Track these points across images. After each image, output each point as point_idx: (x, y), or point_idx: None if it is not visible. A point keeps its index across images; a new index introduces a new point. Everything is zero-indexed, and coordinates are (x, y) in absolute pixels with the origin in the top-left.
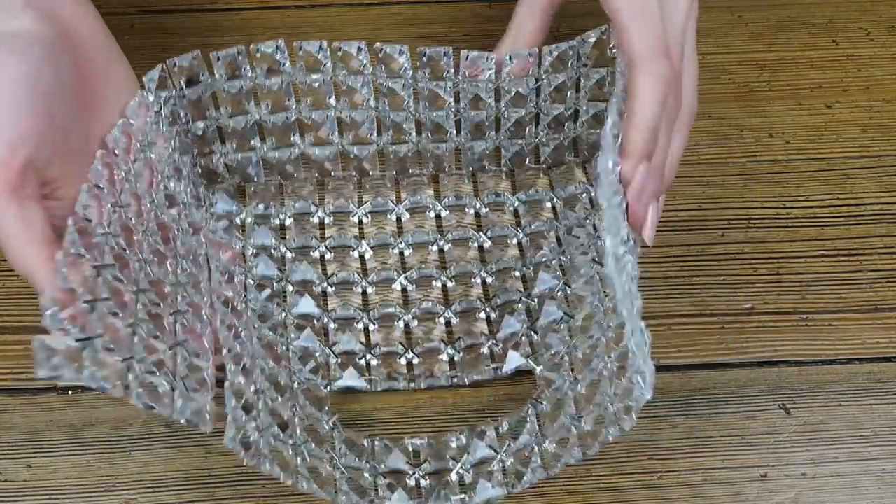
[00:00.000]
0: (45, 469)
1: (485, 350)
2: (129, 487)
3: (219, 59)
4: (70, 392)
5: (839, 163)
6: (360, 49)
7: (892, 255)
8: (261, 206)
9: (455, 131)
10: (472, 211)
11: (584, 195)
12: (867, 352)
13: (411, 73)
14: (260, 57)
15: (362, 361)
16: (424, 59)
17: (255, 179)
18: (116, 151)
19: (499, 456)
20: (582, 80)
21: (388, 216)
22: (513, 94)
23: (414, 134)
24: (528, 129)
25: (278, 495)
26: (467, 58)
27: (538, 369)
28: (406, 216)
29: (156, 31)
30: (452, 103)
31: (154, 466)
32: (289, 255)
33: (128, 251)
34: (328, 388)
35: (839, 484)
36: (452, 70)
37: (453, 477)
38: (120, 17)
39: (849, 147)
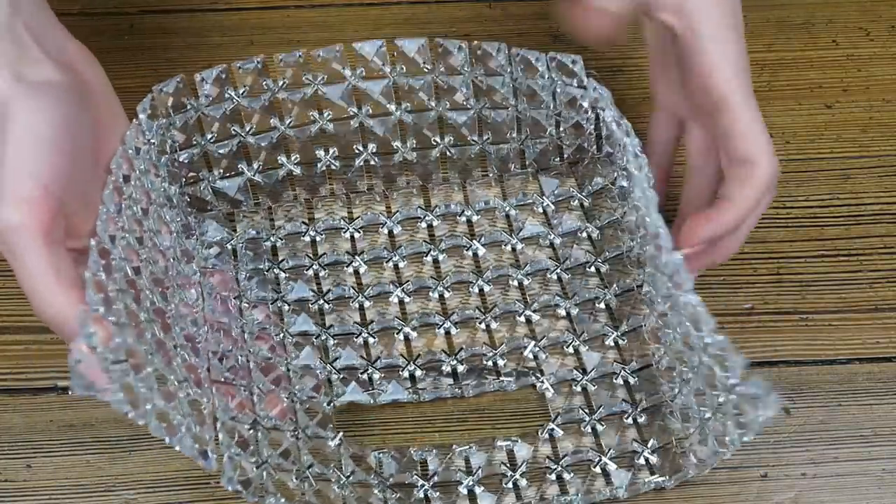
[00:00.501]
0: (45, 469)
1: (487, 362)
2: (129, 487)
3: (203, 80)
4: (70, 392)
5: (839, 163)
6: (338, 52)
7: (892, 255)
8: (251, 230)
9: (439, 137)
10: (463, 219)
11: (575, 201)
12: (867, 352)
13: (388, 69)
14: (242, 74)
15: (364, 376)
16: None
17: (244, 204)
18: (120, 177)
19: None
20: (557, 91)
21: (381, 230)
22: (485, 87)
23: (399, 142)
24: (509, 133)
25: None
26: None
27: (540, 385)
28: (398, 229)
29: (156, 31)
30: (433, 103)
31: (154, 466)
32: (283, 275)
33: (136, 277)
34: (331, 404)
35: (839, 484)
36: (430, 65)
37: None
38: (120, 17)
39: (849, 147)
